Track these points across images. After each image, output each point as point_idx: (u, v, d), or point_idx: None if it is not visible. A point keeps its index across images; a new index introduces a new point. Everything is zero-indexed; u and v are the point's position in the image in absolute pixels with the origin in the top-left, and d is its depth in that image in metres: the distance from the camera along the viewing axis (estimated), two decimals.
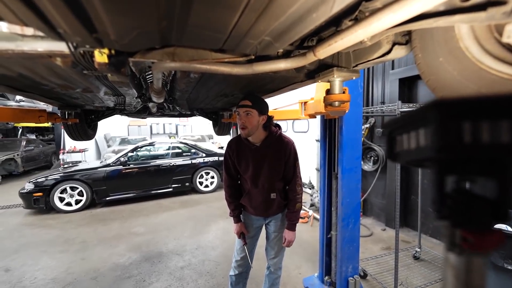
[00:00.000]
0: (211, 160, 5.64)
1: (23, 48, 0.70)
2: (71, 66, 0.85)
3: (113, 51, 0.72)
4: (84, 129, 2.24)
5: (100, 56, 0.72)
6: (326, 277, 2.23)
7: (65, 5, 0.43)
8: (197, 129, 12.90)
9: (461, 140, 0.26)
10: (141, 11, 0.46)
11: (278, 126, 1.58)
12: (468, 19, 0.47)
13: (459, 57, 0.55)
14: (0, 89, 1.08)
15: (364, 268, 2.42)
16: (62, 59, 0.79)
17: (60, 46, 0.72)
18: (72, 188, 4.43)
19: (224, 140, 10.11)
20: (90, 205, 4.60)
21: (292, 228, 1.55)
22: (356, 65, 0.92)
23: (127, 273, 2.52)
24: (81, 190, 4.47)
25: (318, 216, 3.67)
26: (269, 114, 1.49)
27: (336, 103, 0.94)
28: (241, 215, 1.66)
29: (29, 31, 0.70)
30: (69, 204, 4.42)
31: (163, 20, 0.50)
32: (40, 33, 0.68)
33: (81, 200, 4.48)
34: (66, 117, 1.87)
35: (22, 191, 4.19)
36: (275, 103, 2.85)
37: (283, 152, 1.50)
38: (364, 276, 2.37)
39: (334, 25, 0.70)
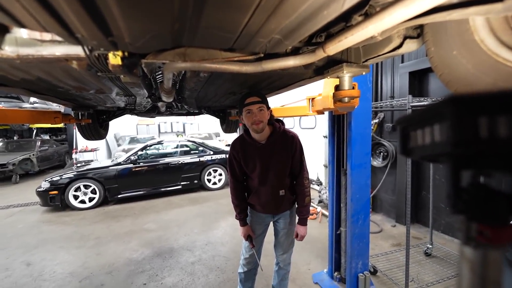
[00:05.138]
0: (218, 157, 5.69)
1: (42, 53, 0.73)
2: (86, 68, 0.88)
3: (126, 53, 0.74)
4: (97, 129, 2.31)
5: (114, 58, 0.75)
6: (336, 273, 2.24)
7: (85, 12, 0.45)
8: (204, 127, 13.01)
9: (477, 135, 0.26)
10: (155, 15, 0.47)
11: (281, 122, 1.56)
12: (484, 11, 0.46)
13: (474, 50, 0.54)
14: (20, 92, 1.13)
15: (374, 264, 2.41)
16: (77, 62, 0.82)
17: (76, 50, 0.75)
18: (86, 186, 4.58)
19: (231, 138, 10.16)
20: (103, 202, 4.74)
21: (304, 222, 1.56)
22: (366, 60, 0.91)
23: (140, 268, 2.60)
24: (94, 188, 4.61)
25: (326, 213, 3.66)
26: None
27: (346, 99, 0.94)
28: (247, 218, 1.65)
29: (48, 36, 0.73)
30: (83, 201, 4.57)
31: (176, 23, 0.51)
32: (58, 38, 0.70)
33: (94, 198, 4.63)
34: (80, 117, 1.94)
35: (39, 189, 4.36)
36: (283, 99, 2.85)
37: (289, 147, 1.49)
38: (374, 272, 2.36)
39: (344, 20, 0.70)
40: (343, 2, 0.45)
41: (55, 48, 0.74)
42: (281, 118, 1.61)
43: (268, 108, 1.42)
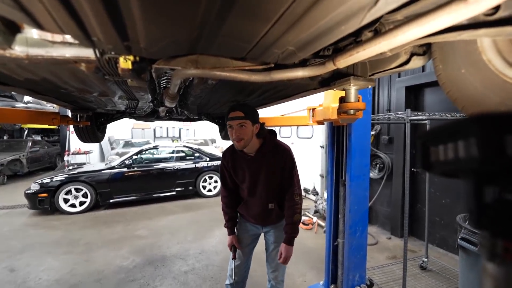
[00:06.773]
0: (214, 164, 5.65)
1: (52, 54, 0.72)
2: (94, 71, 0.87)
3: (137, 58, 0.74)
4: (94, 131, 2.27)
5: (125, 63, 0.75)
6: (332, 286, 2.20)
7: (106, 15, 0.45)
8: (200, 133, 12.97)
9: (504, 153, 0.27)
10: (177, 21, 0.47)
11: (273, 133, 1.50)
12: (494, 33, 0.48)
13: (482, 69, 0.56)
14: (22, 91, 1.11)
15: (371, 277, 2.39)
16: (86, 65, 0.82)
17: (87, 53, 0.74)
18: (77, 190, 4.45)
19: (227, 145, 10.11)
20: (94, 207, 4.61)
21: (290, 242, 1.41)
22: (373, 74, 0.93)
23: (131, 276, 2.51)
24: (85, 192, 4.49)
25: (322, 223, 3.64)
26: (261, 121, 1.41)
27: (352, 111, 0.95)
28: (235, 227, 1.61)
29: (59, 38, 0.72)
30: (73, 205, 4.43)
31: (196, 30, 0.51)
32: (70, 40, 0.70)
33: (85, 202, 4.50)
34: (78, 120, 1.90)
35: (28, 191, 4.22)
36: (283, 109, 2.87)
37: (279, 160, 1.43)
38: (370, 285, 2.32)
39: (353, 35, 0.72)
40: (362, 18, 0.46)
41: (66, 49, 0.73)
42: (274, 129, 1.54)
43: (255, 122, 1.35)
